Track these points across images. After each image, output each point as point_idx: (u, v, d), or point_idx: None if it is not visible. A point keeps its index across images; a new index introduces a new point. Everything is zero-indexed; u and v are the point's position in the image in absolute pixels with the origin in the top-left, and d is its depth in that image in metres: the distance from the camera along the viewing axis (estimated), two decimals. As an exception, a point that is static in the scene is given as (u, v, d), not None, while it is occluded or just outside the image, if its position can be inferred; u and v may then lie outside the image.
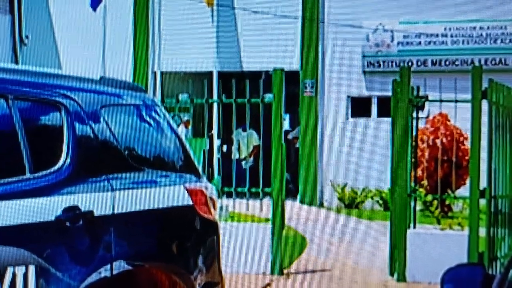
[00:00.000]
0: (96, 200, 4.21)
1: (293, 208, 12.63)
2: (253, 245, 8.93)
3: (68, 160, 4.16)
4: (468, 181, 9.18)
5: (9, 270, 3.69)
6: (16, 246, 3.76)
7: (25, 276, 3.75)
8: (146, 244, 4.52)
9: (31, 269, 3.78)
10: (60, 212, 4.00)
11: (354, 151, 15.80)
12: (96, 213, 4.16)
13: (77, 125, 4.28)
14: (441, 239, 8.79)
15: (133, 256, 4.38)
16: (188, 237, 4.88)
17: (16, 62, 16.98)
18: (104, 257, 4.17)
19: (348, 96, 16.30)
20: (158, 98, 8.85)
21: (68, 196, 4.09)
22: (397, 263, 8.86)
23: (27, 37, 17.52)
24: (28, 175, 3.94)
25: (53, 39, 17.41)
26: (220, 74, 16.10)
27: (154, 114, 5.00)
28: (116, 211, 4.29)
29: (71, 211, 4.05)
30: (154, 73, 17.10)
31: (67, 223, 4.02)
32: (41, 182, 3.99)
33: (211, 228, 5.07)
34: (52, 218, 3.96)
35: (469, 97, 8.66)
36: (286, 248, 9.40)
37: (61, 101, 4.26)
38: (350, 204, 15.80)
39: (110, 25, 16.07)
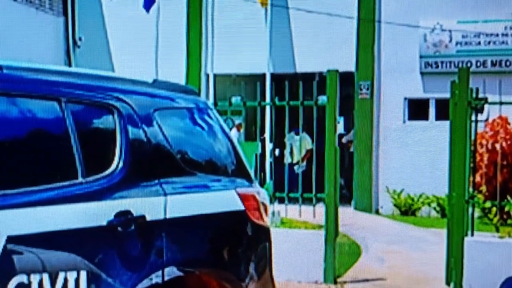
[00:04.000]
0: (148, 204, 4.23)
1: (347, 215, 12.56)
2: (305, 252, 8.89)
3: (121, 164, 4.19)
4: (529, 187, 9.02)
5: (61, 275, 3.73)
6: (68, 251, 3.81)
7: (77, 281, 3.79)
8: (198, 250, 4.54)
9: (83, 274, 3.82)
10: (112, 217, 4.03)
11: (410, 155, 15.64)
12: (148, 218, 4.19)
13: (130, 128, 4.32)
14: (500, 248, 8.64)
15: (185, 262, 4.40)
16: (239, 243, 4.89)
17: (69, 65, 17.27)
18: (156, 262, 4.20)
19: (405, 98, 16.16)
20: (210, 101, 8.89)
21: (121, 201, 4.11)
22: (454, 272, 8.74)
23: (80, 39, 17.80)
24: (80, 179, 3.98)
25: (106, 41, 17.65)
26: (273, 76, 16.12)
27: (206, 118, 5.02)
28: (168, 216, 4.31)
29: (123, 216, 4.08)
30: (207, 76, 17.19)
31: (119, 228, 4.05)
32: (93, 186, 4.03)
33: (263, 234, 5.06)
34: (104, 223, 3.99)
35: (531, 100, 8.52)
36: (339, 256, 9.34)
37: (114, 104, 4.30)
38: (407, 210, 15.65)
39: (163, 26, 16.22)
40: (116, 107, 4.30)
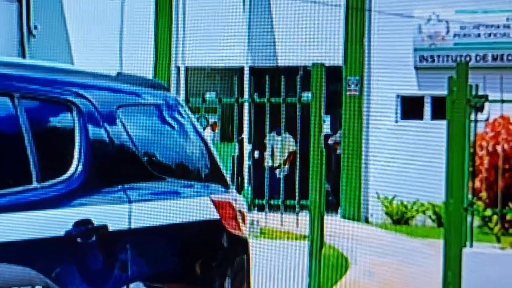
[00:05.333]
0: (111, 213, 4.23)
1: (334, 224, 12.58)
2: (287, 265, 8.92)
3: (80, 168, 4.19)
4: (533, 193, 9.09)
5: (14, 292, 3.73)
6: (22, 265, 3.78)
7: (31, 298, 3.79)
8: (167, 264, 4.54)
9: (38, 290, 3.81)
10: (71, 227, 4.02)
11: (404, 158, 15.72)
12: (110, 228, 4.19)
13: (90, 127, 4.32)
14: (501, 260, 8.70)
15: (152, 277, 4.40)
16: (214, 255, 4.89)
17: (24, 56, 17.18)
18: (120, 277, 4.20)
19: (398, 95, 16.24)
20: (181, 97, 8.87)
21: (80, 208, 4.11)
22: (451, 287, 8.79)
23: (36, 27, 17.71)
24: (35, 184, 3.97)
25: (64, 30, 17.58)
26: (252, 69, 16.13)
27: (177, 115, 5.03)
28: (133, 226, 4.31)
29: (83, 225, 4.07)
30: (178, 68, 17.18)
31: (79, 239, 4.04)
32: (49, 192, 4.02)
33: (240, 246, 5.08)
34: (62, 233, 3.98)
35: (535, 97, 8.59)
36: (325, 269, 9.36)
37: (72, 100, 4.30)
38: (399, 219, 15.72)
39: (129, 14, 16.19)
40: (75, 104, 4.29)
